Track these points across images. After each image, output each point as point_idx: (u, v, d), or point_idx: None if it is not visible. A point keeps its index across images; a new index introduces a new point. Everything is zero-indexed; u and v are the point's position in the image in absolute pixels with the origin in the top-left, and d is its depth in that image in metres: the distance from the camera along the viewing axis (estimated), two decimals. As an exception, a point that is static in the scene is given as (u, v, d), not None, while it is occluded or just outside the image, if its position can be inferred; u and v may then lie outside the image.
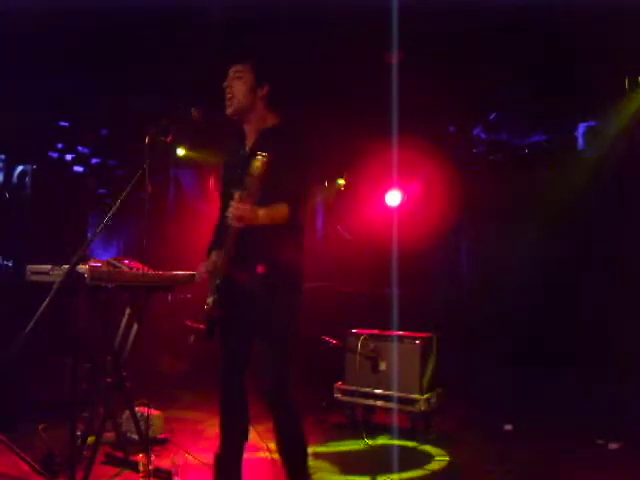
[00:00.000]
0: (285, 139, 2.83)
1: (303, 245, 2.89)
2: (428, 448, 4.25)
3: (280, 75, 3.04)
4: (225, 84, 2.86)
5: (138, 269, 3.33)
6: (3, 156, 6.02)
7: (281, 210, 2.68)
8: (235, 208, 2.55)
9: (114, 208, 2.67)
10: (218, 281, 2.73)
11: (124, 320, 3.62)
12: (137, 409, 3.69)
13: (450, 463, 3.97)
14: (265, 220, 2.62)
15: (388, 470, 3.72)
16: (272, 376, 2.75)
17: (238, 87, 2.84)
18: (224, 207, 2.79)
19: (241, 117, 2.90)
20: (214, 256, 2.86)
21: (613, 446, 4.22)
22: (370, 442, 4.31)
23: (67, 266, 2.72)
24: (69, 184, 6.53)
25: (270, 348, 2.76)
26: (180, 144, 7.12)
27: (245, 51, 3.04)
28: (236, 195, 2.55)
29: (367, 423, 4.67)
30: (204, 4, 4.65)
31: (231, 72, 2.87)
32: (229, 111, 2.86)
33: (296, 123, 2.94)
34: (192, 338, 2.81)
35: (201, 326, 2.75)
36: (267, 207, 2.62)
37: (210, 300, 2.73)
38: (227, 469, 2.89)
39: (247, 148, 2.89)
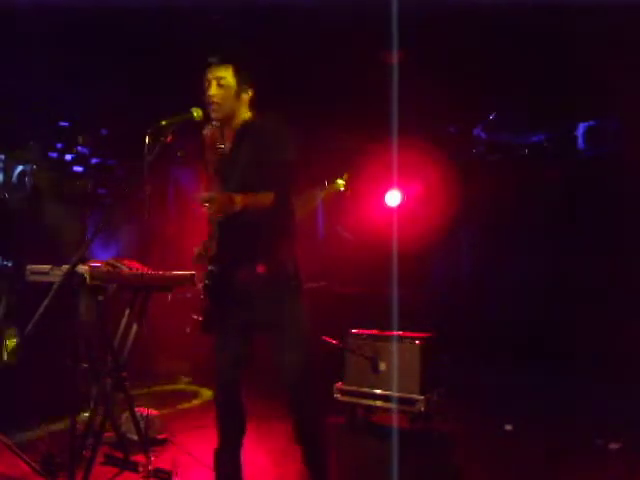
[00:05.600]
0: (262, 128, 2.77)
1: (297, 238, 2.87)
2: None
3: (265, 77, 2.88)
4: (208, 92, 2.75)
5: (138, 269, 3.33)
6: (3, 156, 6.01)
7: (264, 195, 2.64)
8: (210, 198, 2.56)
9: (113, 208, 2.68)
10: (211, 268, 2.74)
11: (124, 320, 3.61)
12: (137, 409, 3.69)
13: (450, 463, 3.96)
14: (246, 204, 2.57)
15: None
16: (294, 377, 2.77)
17: (222, 95, 2.74)
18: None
19: (226, 120, 2.84)
20: (205, 244, 2.86)
21: (613, 446, 4.21)
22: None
23: (67, 266, 2.71)
24: (69, 184, 6.52)
25: (288, 349, 2.76)
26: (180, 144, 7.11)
27: (226, 52, 2.83)
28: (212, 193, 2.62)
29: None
30: (204, 4, 4.65)
31: (211, 76, 2.74)
32: (215, 117, 2.80)
33: (275, 114, 2.81)
34: (188, 329, 2.83)
35: (200, 318, 2.76)
36: (247, 194, 2.60)
37: (201, 285, 2.75)
38: (226, 464, 2.92)
39: (226, 147, 2.85)
